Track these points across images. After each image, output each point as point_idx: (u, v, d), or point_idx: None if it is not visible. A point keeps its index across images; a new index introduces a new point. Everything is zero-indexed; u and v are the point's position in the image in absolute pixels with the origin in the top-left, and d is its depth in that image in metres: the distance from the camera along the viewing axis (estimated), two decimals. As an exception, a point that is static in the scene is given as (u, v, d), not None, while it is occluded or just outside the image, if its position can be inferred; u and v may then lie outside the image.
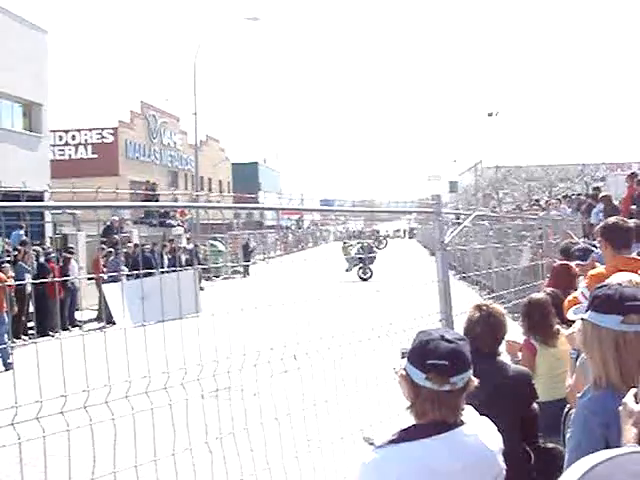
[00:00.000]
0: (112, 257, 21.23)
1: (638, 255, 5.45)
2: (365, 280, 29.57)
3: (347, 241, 37.21)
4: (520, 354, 5.48)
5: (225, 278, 33.90)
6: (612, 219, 5.72)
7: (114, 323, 13.90)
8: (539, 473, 4.02)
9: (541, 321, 5.44)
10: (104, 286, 18.98)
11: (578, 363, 3.65)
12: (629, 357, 2.52)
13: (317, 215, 72.87)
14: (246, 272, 35.71)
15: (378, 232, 64.74)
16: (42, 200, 20.06)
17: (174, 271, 12.33)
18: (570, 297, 5.01)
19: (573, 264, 6.43)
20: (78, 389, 3.25)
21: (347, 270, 30.10)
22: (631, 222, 5.84)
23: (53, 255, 20.07)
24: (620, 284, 2.63)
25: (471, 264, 25.58)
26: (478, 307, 4.22)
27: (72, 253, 20.99)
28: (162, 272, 13.31)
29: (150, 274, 9.32)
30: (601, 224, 5.92)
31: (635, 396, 2.34)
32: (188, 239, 34.63)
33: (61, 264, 19.81)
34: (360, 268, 30.58)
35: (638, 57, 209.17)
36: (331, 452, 4.48)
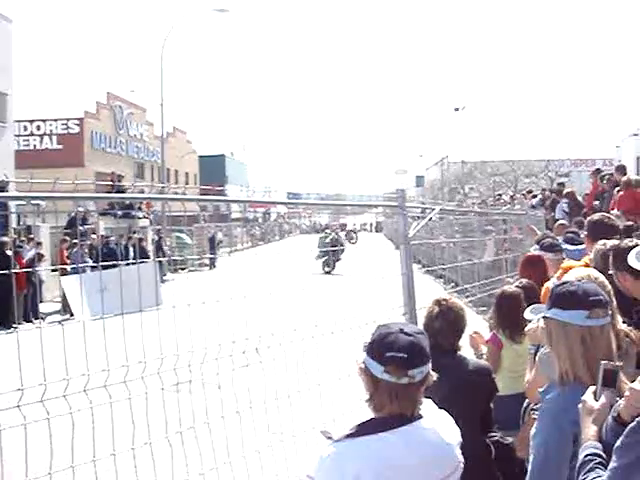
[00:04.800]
0: (75, 249, 21.01)
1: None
2: (328, 273, 29.25)
3: (327, 231, 36.93)
4: (485, 348, 5.42)
5: (191, 270, 33.80)
6: (597, 216, 5.70)
7: (77, 316, 13.75)
8: (499, 467, 4.05)
9: (509, 315, 5.36)
10: (62, 279, 18.72)
11: (537, 358, 3.66)
12: (595, 351, 2.55)
13: (284, 208, 72.68)
14: (213, 264, 35.74)
15: (346, 226, 64.69)
16: (5, 190, 19.74)
17: (135, 263, 12.18)
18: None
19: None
20: (35, 383, 3.20)
21: (316, 258, 29.87)
22: (616, 220, 5.84)
23: (20, 248, 19.77)
24: (579, 280, 2.66)
25: (437, 258, 25.75)
26: (437, 302, 4.20)
27: (39, 244, 20.73)
28: (127, 264, 13.20)
29: (115, 266, 9.21)
30: (587, 220, 5.92)
31: (594, 393, 2.36)
32: (158, 230, 34.39)
33: (29, 257, 19.44)
34: (324, 261, 30.41)
35: (604, 54, 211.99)
36: (293, 445, 4.47)
